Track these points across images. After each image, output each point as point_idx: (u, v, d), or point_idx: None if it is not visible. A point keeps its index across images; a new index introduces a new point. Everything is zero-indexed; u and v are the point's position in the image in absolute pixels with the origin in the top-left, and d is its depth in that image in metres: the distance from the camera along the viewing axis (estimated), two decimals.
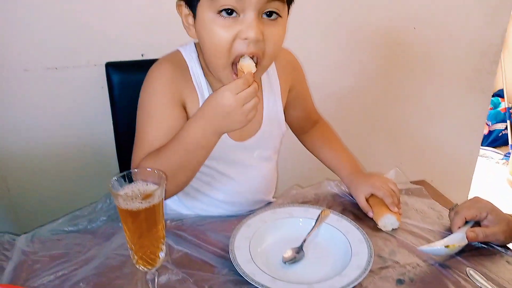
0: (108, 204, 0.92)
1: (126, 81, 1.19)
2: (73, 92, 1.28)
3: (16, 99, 1.25)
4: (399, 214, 0.92)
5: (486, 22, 1.54)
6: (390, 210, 0.90)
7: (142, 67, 1.21)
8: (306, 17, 1.38)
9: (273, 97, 0.97)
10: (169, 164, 0.77)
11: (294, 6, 0.83)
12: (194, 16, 0.78)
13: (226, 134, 0.87)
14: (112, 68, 1.19)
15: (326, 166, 1.09)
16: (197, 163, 0.82)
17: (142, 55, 1.29)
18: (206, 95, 0.87)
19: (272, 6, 0.74)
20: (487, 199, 0.88)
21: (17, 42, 1.19)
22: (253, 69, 0.74)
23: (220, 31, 0.73)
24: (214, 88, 0.88)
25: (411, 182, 1.08)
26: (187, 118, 0.87)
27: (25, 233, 0.86)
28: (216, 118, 0.74)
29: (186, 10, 0.80)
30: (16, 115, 1.27)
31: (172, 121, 0.84)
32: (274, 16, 0.76)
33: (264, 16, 0.75)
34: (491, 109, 3.25)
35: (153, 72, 0.88)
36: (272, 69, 0.96)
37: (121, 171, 1.25)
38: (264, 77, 0.95)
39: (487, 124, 3.23)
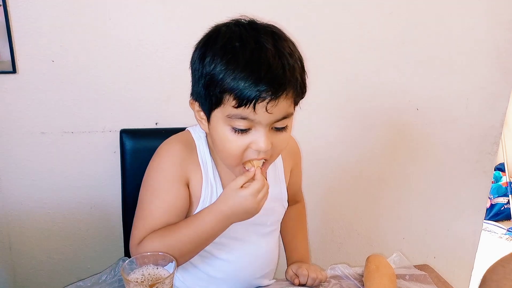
0: (112, 276, 0.91)
1: (139, 147, 1.22)
2: (86, 155, 1.31)
3: (30, 160, 1.28)
4: None
5: (487, 106, 1.60)
6: None
7: (155, 135, 1.25)
8: (312, 97, 1.45)
9: (277, 175, 1.00)
10: (179, 246, 0.81)
11: None
12: (208, 117, 0.81)
13: None
14: (126, 134, 1.23)
15: (282, 242, 1.15)
16: (205, 245, 0.86)
17: (156, 124, 1.33)
18: (210, 172, 0.89)
19: (281, 122, 0.77)
20: None
21: (36, 106, 1.24)
22: (261, 164, 0.80)
23: (233, 142, 0.77)
24: (218, 166, 0.91)
25: (414, 266, 1.07)
26: (190, 195, 0.89)
27: None
28: (235, 215, 0.80)
29: (198, 108, 0.82)
30: (28, 175, 1.30)
31: (176, 200, 0.86)
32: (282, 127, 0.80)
33: (273, 128, 0.78)
34: (492, 182, 3.26)
35: (162, 151, 0.90)
36: None
37: (124, 233, 1.25)
38: None
39: (489, 198, 3.22)
